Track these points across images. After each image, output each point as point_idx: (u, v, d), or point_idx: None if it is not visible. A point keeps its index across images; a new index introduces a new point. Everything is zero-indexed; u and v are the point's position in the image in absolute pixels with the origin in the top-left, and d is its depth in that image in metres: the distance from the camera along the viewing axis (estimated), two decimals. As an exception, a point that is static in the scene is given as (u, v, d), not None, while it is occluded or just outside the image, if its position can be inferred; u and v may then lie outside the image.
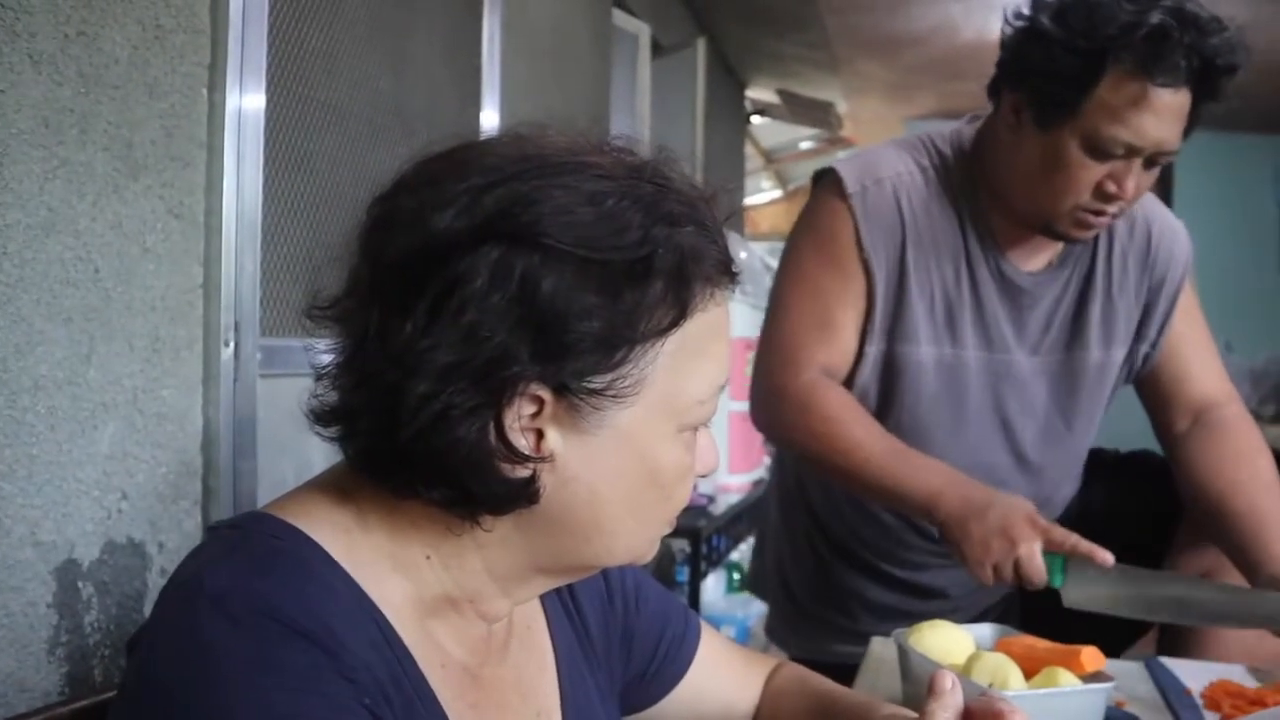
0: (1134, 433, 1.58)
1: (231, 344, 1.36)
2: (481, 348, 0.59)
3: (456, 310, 0.59)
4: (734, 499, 3.37)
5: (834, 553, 1.62)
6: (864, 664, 1.23)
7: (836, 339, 1.43)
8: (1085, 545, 1.20)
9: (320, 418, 0.66)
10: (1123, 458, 1.64)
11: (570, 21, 2.90)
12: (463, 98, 2.22)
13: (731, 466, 3.54)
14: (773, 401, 1.43)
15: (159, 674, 0.58)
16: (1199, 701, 1.09)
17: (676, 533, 3.07)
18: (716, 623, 3.45)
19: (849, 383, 1.45)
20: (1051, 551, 1.22)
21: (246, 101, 1.38)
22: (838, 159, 1.51)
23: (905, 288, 1.42)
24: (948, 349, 1.44)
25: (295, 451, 1.50)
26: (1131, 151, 1.27)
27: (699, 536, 2.97)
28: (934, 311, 1.43)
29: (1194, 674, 1.17)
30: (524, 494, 0.63)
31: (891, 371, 1.45)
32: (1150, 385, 1.54)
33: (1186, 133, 1.29)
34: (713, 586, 3.53)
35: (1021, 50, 1.32)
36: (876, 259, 1.41)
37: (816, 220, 1.46)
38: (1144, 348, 1.51)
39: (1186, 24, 1.22)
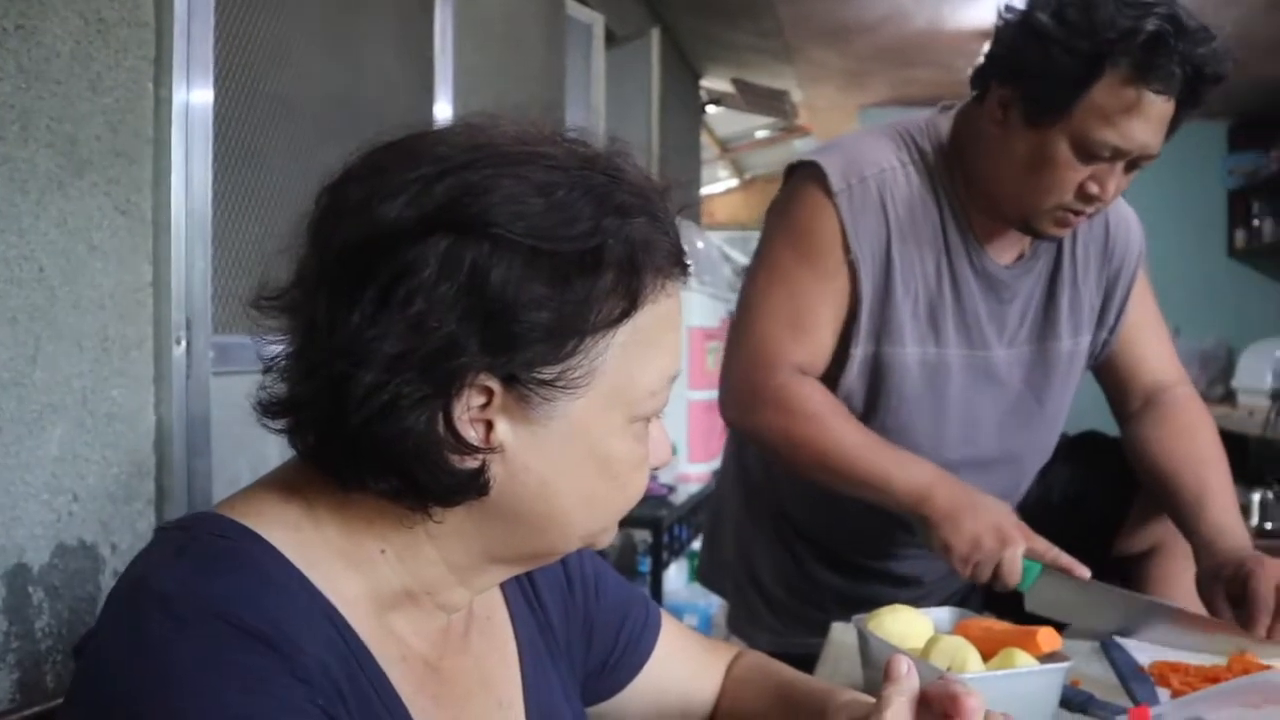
0: (1079, 412, 1.61)
1: (183, 342, 1.34)
2: (430, 338, 0.58)
3: (405, 300, 0.58)
4: (694, 489, 3.39)
5: (805, 545, 1.63)
6: (824, 651, 1.24)
7: (811, 338, 1.42)
8: (1065, 559, 1.24)
9: (268, 410, 0.65)
10: (1076, 439, 1.67)
11: (523, 11, 2.89)
12: (415, 90, 2.20)
13: (691, 456, 3.55)
14: (749, 400, 1.42)
15: (106, 679, 0.57)
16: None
17: (638, 523, 3.08)
18: (679, 611, 3.47)
19: (834, 385, 1.44)
20: (1030, 559, 1.25)
21: (194, 96, 1.36)
22: (817, 152, 1.46)
23: (891, 288, 1.41)
24: (931, 348, 1.44)
25: (250, 449, 1.48)
26: (1117, 155, 1.28)
27: (660, 526, 2.97)
28: (918, 311, 1.43)
29: (1148, 653, 1.20)
30: (473, 485, 0.62)
31: (877, 374, 1.45)
32: (1107, 369, 1.57)
33: (1166, 138, 1.30)
34: (675, 576, 3.55)
35: (1016, 46, 1.30)
36: (864, 260, 1.39)
37: (796, 215, 1.43)
38: (1103, 334, 1.54)
39: (1181, 32, 1.22)
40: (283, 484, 0.66)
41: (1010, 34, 1.32)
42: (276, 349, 0.65)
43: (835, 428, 1.36)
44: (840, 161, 1.41)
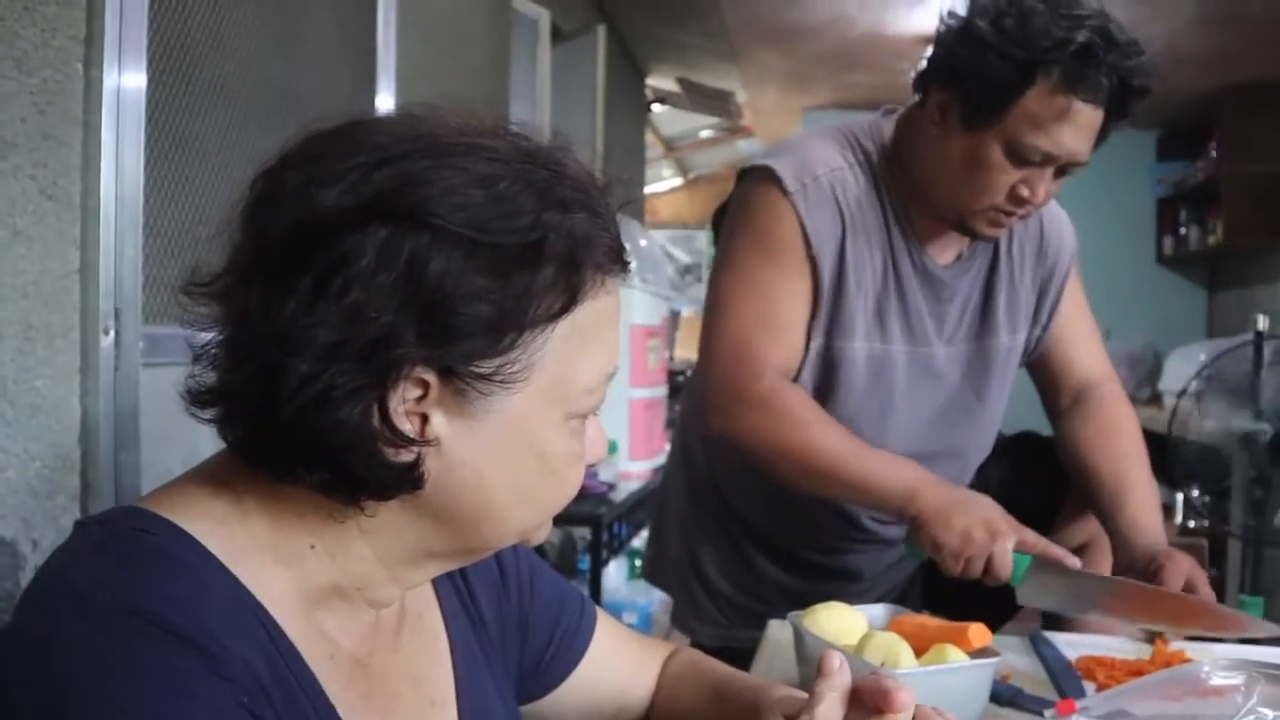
0: (1016, 413, 1.64)
1: (111, 332, 1.31)
2: (366, 328, 0.57)
3: (341, 289, 0.57)
4: (635, 486, 3.38)
5: (751, 542, 1.64)
6: (761, 647, 1.25)
7: (786, 336, 1.43)
8: (1056, 550, 1.27)
9: (197, 399, 0.63)
10: (1012, 439, 1.70)
11: (469, 5, 2.87)
12: (357, 80, 2.17)
13: (632, 453, 3.55)
14: (733, 406, 1.42)
15: (20, 681, 0.54)
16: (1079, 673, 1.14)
17: (577, 521, 3.07)
18: (619, 609, 3.47)
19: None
20: (1019, 551, 1.27)
21: (126, 79, 1.33)
22: (767, 154, 1.49)
23: (844, 284, 1.44)
24: (878, 344, 1.47)
25: (182, 443, 1.45)
26: (1047, 160, 1.32)
27: (600, 524, 2.97)
28: (867, 306, 1.46)
29: (1076, 646, 1.22)
30: (408, 478, 0.61)
31: (828, 367, 1.47)
32: (1040, 366, 1.62)
33: (1094, 147, 1.34)
34: (614, 573, 3.54)
35: (955, 51, 1.34)
36: (822, 257, 1.42)
37: (756, 218, 1.45)
38: (1037, 331, 1.58)
39: (1111, 45, 1.27)
40: (210, 477, 0.65)
41: (950, 39, 1.35)
42: (207, 337, 0.63)
43: (821, 433, 1.37)
44: (792, 163, 1.44)
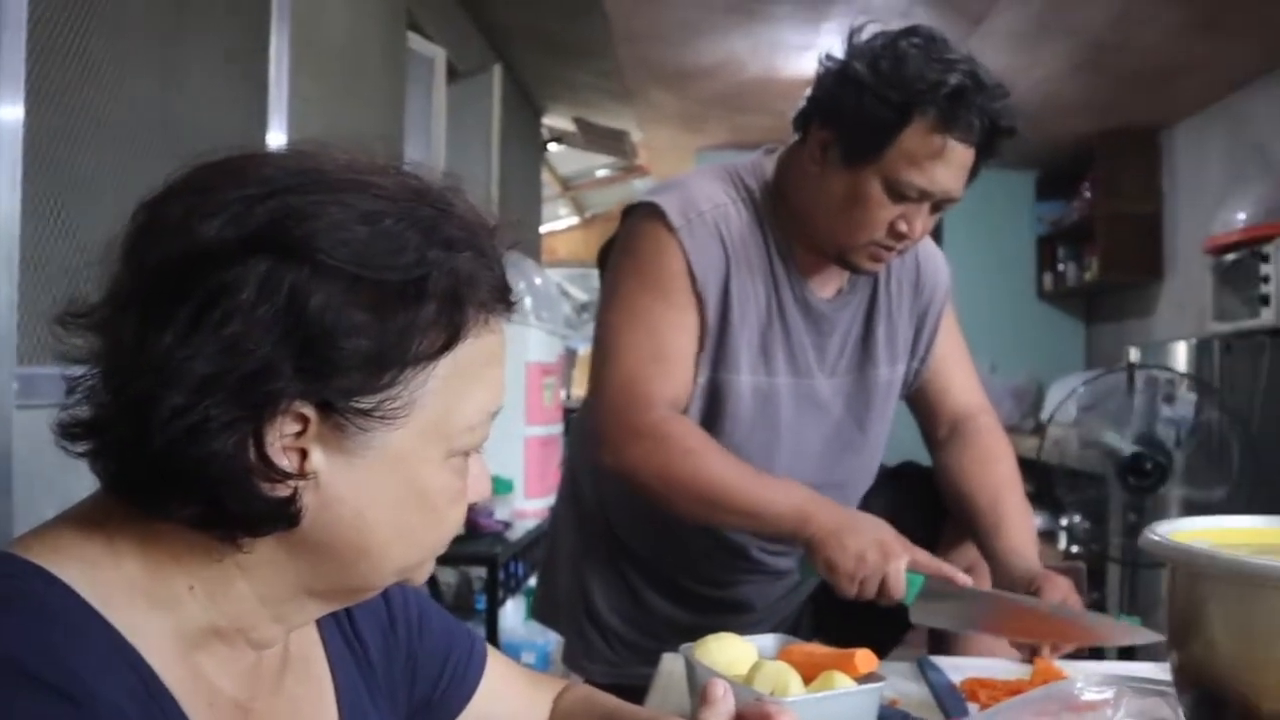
0: (898, 443, 1.69)
1: (-18, 372, 1.26)
2: (243, 361, 0.57)
3: (220, 321, 0.57)
4: (531, 524, 3.37)
5: (640, 576, 1.64)
6: (654, 681, 1.25)
7: (675, 370, 1.44)
8: (947, 569, 1.30)
9: (68, 432, 0.62)
10: (894, 469, 1.75)
11: (363, 42, 2.85)
12: (248, 115, 2.14)
13: (527, 492, 3.53)
14: (624, 439, 1.42)
15: None
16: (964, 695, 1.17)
17: (474, 560, 3.04)
18: (517, 649, 3.43)
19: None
20: (912, 571, 1.30)
21: (2, 112, 1.29)
22: (651, 191, 1.51)
23: (728, 318, 1.46)
24: (763, 376, 1.50)
25: (58, 489, 1.39)
26: (924, 196, 1.37)
27: (496, 563, 2.94)
28: (752, 340, 1.48)
29: (961, 670, 1.26)
30: (283, 514, 0.61)
31: (714, 400, 1.49)
32: (918, 398, 1.67)
33: (966, 184, 1.41)
34: (512, 613, 3.51)
35: (835, 91, 1.39)
36: (707, 291, 1.44)
37: (642, 254, 1.46)
38: (915, 363, 1.63)
39: (980, 87, 1.33)
40: (83, 518, 0.63)
41: (830, 80, 1.40)
42: (82, 371, 0.62)
43: (711, 462, 1.38)
44: (677, 199, 1.47)
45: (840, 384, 1.57)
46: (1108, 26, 3.58)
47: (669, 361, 1.44)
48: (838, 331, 1.55)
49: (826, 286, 1.54)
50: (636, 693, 1.21)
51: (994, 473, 1.54)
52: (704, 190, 1.48)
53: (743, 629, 1.14)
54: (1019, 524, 1.48)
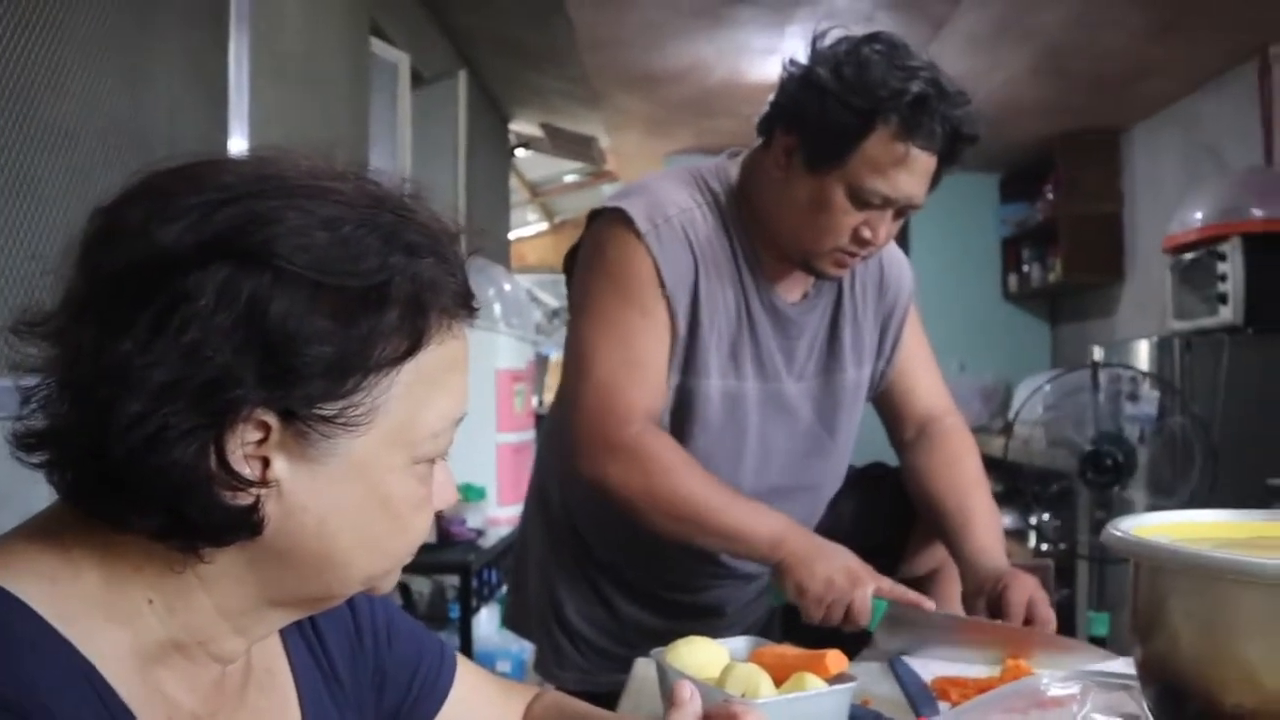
0: (866, 444, 1.70)
1: (-63, 385, 1.24)
2: (203, 368, 0.56)
3: (179, 328, 0.56)
4: (504, 531, 3.35)
5: (610, 582, 1.64)
6: (627, 686, 1.25)
7: (650, 377, 1.44)
8: (912, 595, 1.32)
9: (23, 442, 0.60)
10: (863, 470, 1.75)
11: (325, 48, 2.84)
12: (209, 122, 2.12)
13: (500, 499, 3.52)
14: (601, 453, 1.42)
15: None
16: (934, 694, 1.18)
17: (447, 569, 3.03)
18: (490, 658, 3.41)
19: None
20: (877, 597, 1.31)
21: (-45, 120, 1.27)
22: (617, 197, 1.50)
23: (698, 322, 1.46)
24: (732, 381, 1.50)
25: (16, 504, 1.37)
26: (887, 203, 1.38)
27: (469, 571, 2.93)
28: (721, 345, 1.48)
29: (932, 668, 1.27)
30: (245, 523, 0.60)
31: (683, 404, 1.49)
32: (884, 400, 1.68)
33: (929, 191, 1.41)
34: (486, 621, 3.49)
35: (798, 97, 1.39)
36: (677, 296, 1.44)
37: (611, 261, 1.46)
38: (881, 365, 1.64)
39: (942, 95, 1.34)
40: (39, 531, 0.62)
41: (793, 86, 1.40)
42: (36, 381, 0.61)
43: (688, 482, 1.39)
44: (643, 204, 1.46)
45: (808, 387, 1.57)
46: (1067, 30, 3.63)
47: (643, 368, 1.44)
48: (805, 335, 1.55)
49: (792, 290, 1.54)
50: (609, 699, 1.21)
51: (961, 473, 1.56)
52: (669, 195, 1.48)
53: (714, 633, 1.14)
54: (986, 524, 1.49)
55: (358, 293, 0.59)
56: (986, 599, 1.38)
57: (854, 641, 1.38)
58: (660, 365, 1.46)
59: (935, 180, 1.41)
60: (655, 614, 1.63)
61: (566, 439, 1.48)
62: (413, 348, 0.62)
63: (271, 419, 0.59)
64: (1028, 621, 1.34)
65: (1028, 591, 1.35)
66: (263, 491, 0.60)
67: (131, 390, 0.56)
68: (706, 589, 1.62)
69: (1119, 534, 0.91)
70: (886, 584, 1.33)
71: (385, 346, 0.61)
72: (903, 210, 1.41)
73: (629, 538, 1.55)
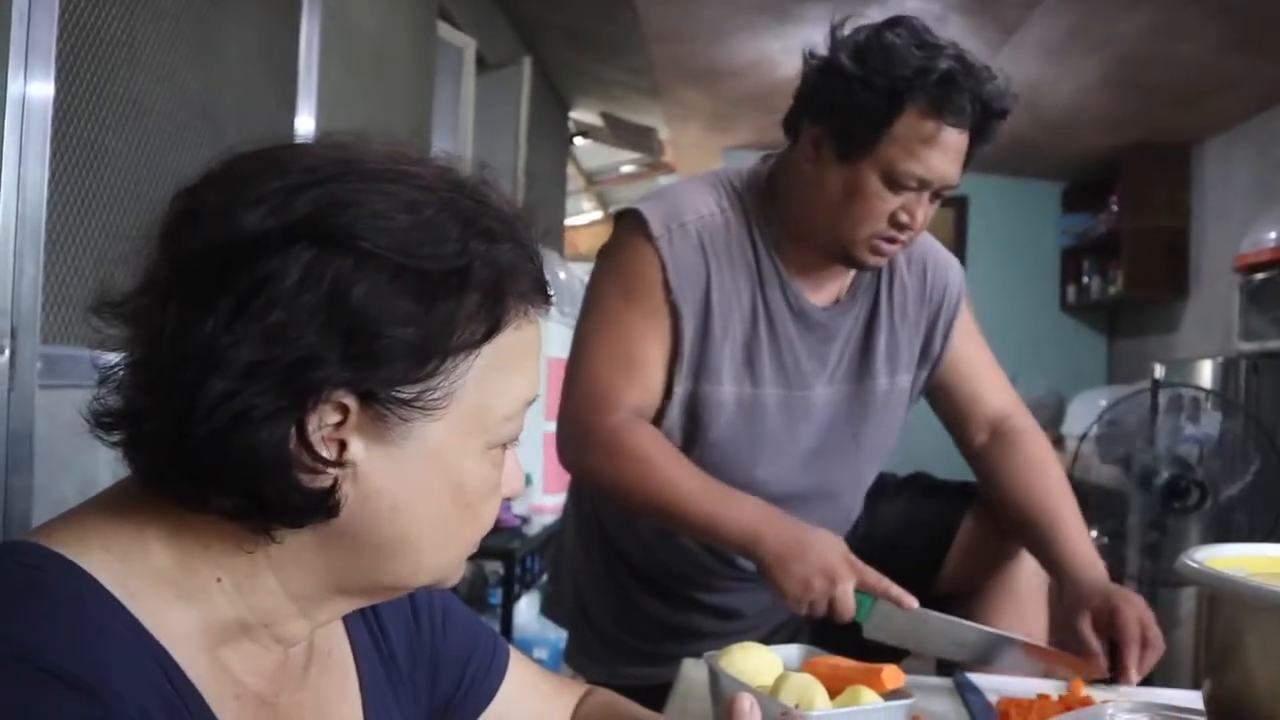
0: (911, 453, 1.67)
1: (6, 351, 1.25)
2: (288, 348, 0.56)
3: (263, 309, 0.56)
4: (548, 520, 3.36)
5: (632, 578, 1.63)
6: (675, 687, 1.24)
7: (643, 377, 1.44)
8: (895, 590, 1.28)
9: (103, 421, 0.60)
10: (905, 480, 1.72)
11: (393, 31, 2.85)
12: (277, 101, 2.14)
13: (546, 487, 3.52)
14: (580, 441, 1.42)
15: None
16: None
17: (490, 555, 3.03)
18: (529, 645, 3.42)
19: (658, 420, 1.47)
20: (862, 591, 1.29)
21: (32, 88, 1.28)
22: (640, 201, 1.51)
23: (710, 330, 1.45)
24: (748, 387, 1.48)
25: (79, 469, 1.39)
26: (922, 185, 1.35)
27: (512, 558, 2.93)
28: (735, 352, 1.47)
29: (997, 690, 1.23)
30: (323, 505, 0.60)
31: (695, 410, 1.47)
32: (947, 406, 1.64)
33: (963, 171, 1.39)
34: (526, 608, 3.50)
35: (823, 86, 1.38)
36: (684, 302, 1.43)
37: (621, 261, 1.47)
38: (924, 371, 1.61)
39: (969, 71, 1.32)
40: (111, 507, 0.62)
41: (816, 76, 1.39)
42: (114, 359, 0.60)
43: (663, 470, 1.37)
44: (661, 209, 1.46)
45: (836, 393, 1.54)
46: (1143, 40, 3.55)
47: (637, 367, 1.43)
48: (837, 340, 1.53)
49: (823, 294, 1.52)
50: (629, 692, 1.20)
51: (1044, 478, 1.52)
52: (690, 201, 1.47)
53: (732, 635, 1.13)
54: (1081, 532, 1.46)
55: (439, 276, 0.59)
56: (1094, 615, 1.34)
57: (895, 654, 1.35)
58: (656, 366, 1.45)
59: (968, 159, 1.38)
60: (674, 610, 1.62)
61: (556, 430, 1.48)
62: (490, 332, 0.62)
63: (351, 401, 0.59)
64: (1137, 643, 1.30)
65: (1139, 611, 1.32)
66: (340, 473, 0.60)
67: (218, 370, 0.56)
68: (724, 590, 1.60)
69: (1194, 565, 0.88)
70: (871, 578, 1.29)
71: (464, 330, 0.60)
72: (938, 192, 1.38)
73: (647, 533, 1.55)
